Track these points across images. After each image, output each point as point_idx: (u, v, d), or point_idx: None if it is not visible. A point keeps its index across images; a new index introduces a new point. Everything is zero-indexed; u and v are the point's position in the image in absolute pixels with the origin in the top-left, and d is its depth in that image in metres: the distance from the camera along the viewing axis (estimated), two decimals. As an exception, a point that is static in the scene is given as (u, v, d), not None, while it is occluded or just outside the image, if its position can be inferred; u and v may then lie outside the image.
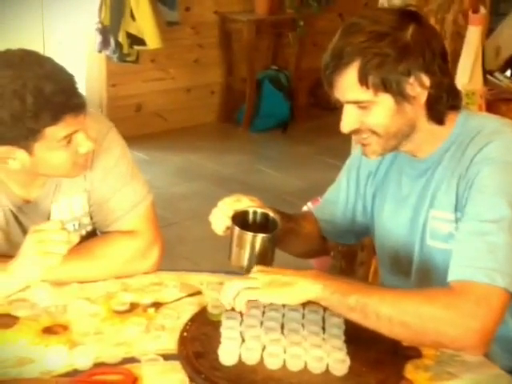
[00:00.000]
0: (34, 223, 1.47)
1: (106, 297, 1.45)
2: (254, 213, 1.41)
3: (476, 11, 2.39)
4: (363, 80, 1.31)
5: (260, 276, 1.26)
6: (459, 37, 2.44)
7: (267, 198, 1.46)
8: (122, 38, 4.33)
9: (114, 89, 4.67)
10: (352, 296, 1.23)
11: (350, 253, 2.60)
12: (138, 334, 1.33)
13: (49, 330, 1.32)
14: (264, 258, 1.35)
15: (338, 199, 1.63)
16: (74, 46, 4.55)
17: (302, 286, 1.25)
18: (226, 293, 1.27)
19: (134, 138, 4.44)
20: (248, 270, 1.33)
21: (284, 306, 1.38)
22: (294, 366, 1.23)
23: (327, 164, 4.45)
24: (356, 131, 1.38)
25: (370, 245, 2.53)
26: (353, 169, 1.61)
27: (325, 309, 1.37)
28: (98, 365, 1.23)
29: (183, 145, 4.78)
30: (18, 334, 1.31)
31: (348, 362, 1.24)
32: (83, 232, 1.60)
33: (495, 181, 1.30)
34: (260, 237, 1.33)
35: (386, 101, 1.33)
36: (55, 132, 1.36)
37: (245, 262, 1.35)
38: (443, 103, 1.37)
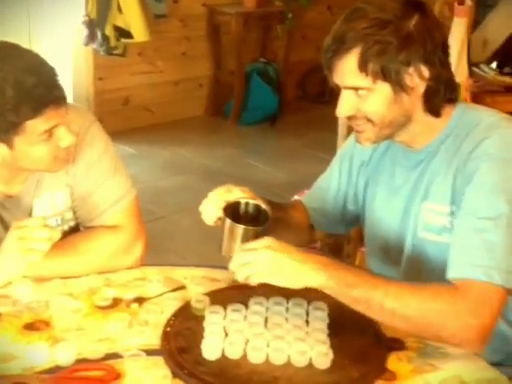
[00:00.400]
0: (16, 218, 1.46)
1: (88, 292, 1.44)
2: (246, 204, 1.40)
3: (461, 3, 2.39)
4: (363, 67, 1.30)
5: (265, 254, 1.25)
6: (445, 28, 2.43)
7: (256, 191, 1.45)
8: (108, 30, 4.30)
9: (102, 82, 4.64)
10: (357, 289, 1.24)
11: (337, 246, 2.60)
12: (120, 330, 1.32)
13: (31, 327, 1.31)
14: None
15: (330, 187, 1.63)
16: (61, 39, 4.52)
17: (308, 274, 1.25)
18: (238, 268, 1.26)
19: (122, 131, 4.44)
20: None
21: (268, 299, 1.38)
22: (278, 359, 1.23)
23: (315, 157, 4.45)
24: (351, 117, 1.38)
25: (356, 238, 2.53)
26: (345, 157, 1.61)
27: (309, 302, 1.37)
28: (80, 361, 1.22)
29: (171, 138, 4.76)
30: (0, 331, 1.30)
31: (331, 355, 1.24)
32: (66, 227, 1.59)
33: (493, 178, 1.30)
34: (251, 229, 1.32)
35: (383, 89, 1.33)
36: (36, 125, 1.35)
37: (234, 253, 1.33)
38: (441, 96, 1.37)
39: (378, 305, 1.24)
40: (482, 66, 3.00)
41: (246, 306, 1.36)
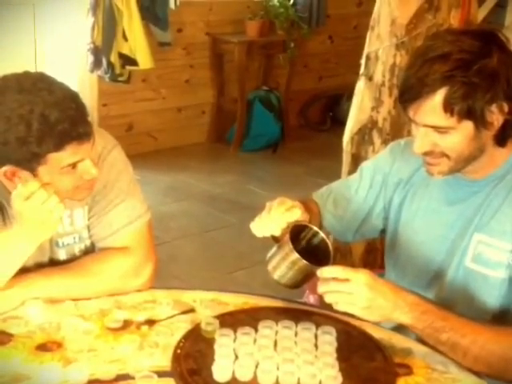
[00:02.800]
0: None
1: (99, 314, 1.45)
2: (311, 232, 1.40)
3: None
4: (448, 108, 1.30)
5: (361, 291, 1.27)
6: None
7: (257, 217, 1.46)
8: (114, 58, 4.36)
9: (106, 108, 4.69)
10: (444, 334, 1.28)
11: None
12: (131, 351, 1.33)
13: (43, 347, 1.32)
14: (304, 282, 1.37)
15: (355, 196, 1.63)
16: (66, 65, 4.57)
17: (397, 316, 1.30)
18: (329, 294, 1.28)
19: (125, 157, 4.47)
20: (285, 287, 1.37)
21: (277, 323, 1.39)
22: (287, 382, 1.24)
23: (317, 184, 4.43)
24: (427, 153, 1.38)
25: (360, 264, 2.56)
26: (379, 172, 1.61)
27: (317, 326, 1.39)
28: (92, 382, 1.24)
29: (174, 164, 4.80)
30: (13, 351, 1.31)
31: (340, 378, 1.25)
32: (82, 246, 1.61)
33: None
34: (314, 268, 1.32)
35: (466, 127, 1.32)
36: (59, 158, 1.37)
37: (286, 280, 1.37)
38: None
39: (462, 351, 1.28)
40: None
41: (256, 329, 1.38)
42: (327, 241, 1.39)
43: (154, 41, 4.56)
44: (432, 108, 1.31)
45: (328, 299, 1.29)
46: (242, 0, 5.15)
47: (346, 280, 1.28)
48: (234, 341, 1.34)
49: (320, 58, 5.78)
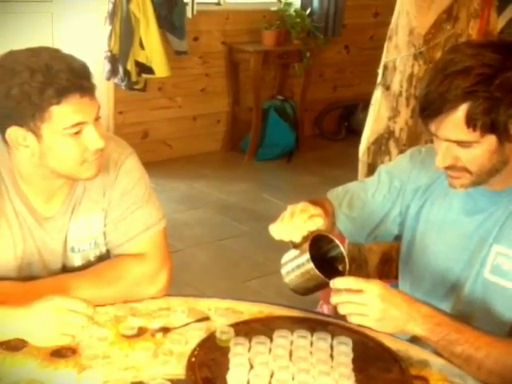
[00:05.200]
0: (51, 239, 1.51)
1: (114, 321, 1.45)
2: (331, 244, 1.38)
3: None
4: (471, 123, 1.28)
5: (374, 302, 1.27)
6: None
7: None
8: (130, 66, 4.38)
9: (121, 116, 4.71)
10: (459, 347, 1.27)
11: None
12: (146, 359, 1.32)
13: (57, 353, 1.32)
14: (316, 291, 1.37)
15: (372, 200, 1.62)
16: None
17: (411, 328, 1.29)
18: (342, 304, 1.28)
19: (140, 164, 4.49)
20: (297, 293, 1.37)
21: (292, 333, 1.38)
22: (303, 393, 1.23)
23: (331, 194, 4.46)
24: (449, 167, 1.37)
25: (375, 274, 2.54)
26: (398, 178, 1.60)
27: (333, 336, 1.38)
28: (106, 388, 1.23)
29: (188, 173, 4.80)
30: (27, 357, 1.31)
31: (356, 390, 1.24)
32: (98, 252, 1.60)
33: None
34: (328, 281, 1.31)
35: (490, 141, 1.31)
36: (62, 114, 1.36)
37: (298, 287, 1.37)
38: None
39: (477, 364, 1.27)
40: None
41: (271, 338, 1.37)
42: (345, 255, 1.37)
43: (170, 49, 4.58)
44: (454, 123, 1.30)
45: (341, 310, 1.29)
46: (258, 9, 5.17)
47: (359, 291, 1.27)
48: (249, 350, 1.33)
49: (335, 67, 5.78)
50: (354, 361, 1.32)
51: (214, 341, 1.37)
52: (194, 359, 1.32)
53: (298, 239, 1.35)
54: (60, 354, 1.31)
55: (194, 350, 1.35)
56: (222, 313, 1.50)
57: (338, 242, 1.38)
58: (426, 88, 1.33)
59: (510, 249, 1.39)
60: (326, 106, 5.77)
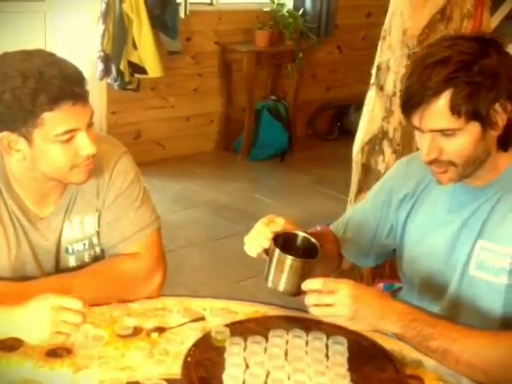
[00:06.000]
0: (45, 240, 1.51)
1: (109, 321, 1.45)
2: (295, 235, 1.41)
3: None
4: (455, 109, 1.30)
5: (345, 302, 1.27)
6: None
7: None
8: (123, 66, 4.37)
9: (114, 116, 4.70)
10: (434, 341, 1.27)
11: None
12: (141, 359, 1.33)
13: (53, 353, 1.31)
14: (301, 283, 1.34)
15: (364, 219, 1.63)
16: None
17: (385, 325, 1.29)
18: (314, 307, 1.29)
19: (133, 165, 4.48)
20: (285, 294, 1.35)
21: (287, 332, 1.38)
22: (299, 392, 1.24)
23: (324, 193, 4.48)
24: (433, 161, 1.37)
25: (368, 274, 2.54)
26: (384, 191, 1.62)
27: (328, 336, 1.38)
28: (102, 388, 1.23)
29: (182, 173, 4.80)
30: (23, 357, 1.30)
31: (352, 389, 1.24)
32: (92, 252, 1.60)
33: None
34: (301, 262, 1.33)
35: (473, 128, 1.32)
36: (54, 120, 1.36)
37: (282, 285, 1.35)
38: None
39: (455, 358, 1.26)
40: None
41: (266, 338, 1.37)
42: (309, 237, 1.39)
43: (163, 49, 4.58)
44: (438, 111, 1.31)
45: (313, 311, 1.30)
46: (251, 10, 5.17)
47: (330, 292, 1.28)
48: (245, 350, 1.33)
49: (328, 68, 5.79)
50: (349, 360, 1.32)
51: (210, 341, 1.37)
52: (189, 359, 1.32)
53: (266, 244, 1.37)
54: (55, 354, 1.31)
55: (190, 349, 1.35)
56: (217, 313, 1.50)
57: (296, 231, 1.40)
58: (407, 81, 1.35)
59: (493, 243, 1.40)
60: (319, 107, 5.78)
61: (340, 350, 1.35)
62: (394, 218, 1.59)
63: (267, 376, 1.26)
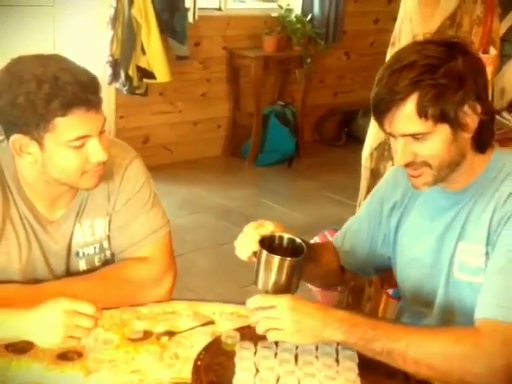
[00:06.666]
0: (55, 243, 1.51)
1: (119, 324, 1.45)
2: (281, 237, 1.42)
3: (486, 52, 2.43)
4: (422, 112, 1.31)
5: (286, 315, 1.27)
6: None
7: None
8: (132, 71, 4.39)
9: (122, 120, 4.72)
10: (377, 342, 1.26)
11: (358, 288, 2.60)
12: (151, 362, 1.33)
13: (64, 356, 1.32)
14: (290, 283, 1.35)
15: (359, 230, 1.64)
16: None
17: (327, 334, 1.28)
18: (258, 322, 1.30)
19: (141, 169, 4.49)
20: (275, 294, 1.34)
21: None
22: (309, 397, 1.24)
23: (331, 199, 4.48)
24: (408, 164, 1.38)
25: (377, 280, 2.54)
26: (375, 200, 1.63)
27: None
28: (112, 392, 1.23)
29: (189, 177, 4.81)
30: (34, 360, 1.31)
31: (362, 394, 1.24)
32: (102, 256, 1.61)
33: None
34: (288, 260, 1.33)
35: (443, 131, 1.34)
36: (66, 126, 1.37)
37: (271, 286, 1.35)
38: (491, 129, 1.39)
39: (400, 356, 1.25)
40: (505, 114, 3.03)
41: (276, 343, 1.37)
42: (295, 238, 1.40)
43: (171, 54, 4.59)
44: (406, 115, 1.33)
45: (258, 330, 1.30)
46: (259, 15, 5.19)
47: (272, 307, 1.29)
48: (255, 354, 1.33)
49: (336, 73, 5.79)
50: (360, 366, 1.32)
51: (220, 345, 1.37)
52: (199, 363, 1.32)
53: (255, 247, 1.38)
54: (66, 357, 1.32)
55: (200, 353, 1.35)
56: (226, 317, 1.50)
57: (281, 233, 1.41)
58: (376, 87, 1.37)
59: (473, 244, 1.41)
60: (327, 112, 5.79)
61: (350, 355, 1.35)
62: (386, 226, 1.60)
63: (277, 381, 1.26)
